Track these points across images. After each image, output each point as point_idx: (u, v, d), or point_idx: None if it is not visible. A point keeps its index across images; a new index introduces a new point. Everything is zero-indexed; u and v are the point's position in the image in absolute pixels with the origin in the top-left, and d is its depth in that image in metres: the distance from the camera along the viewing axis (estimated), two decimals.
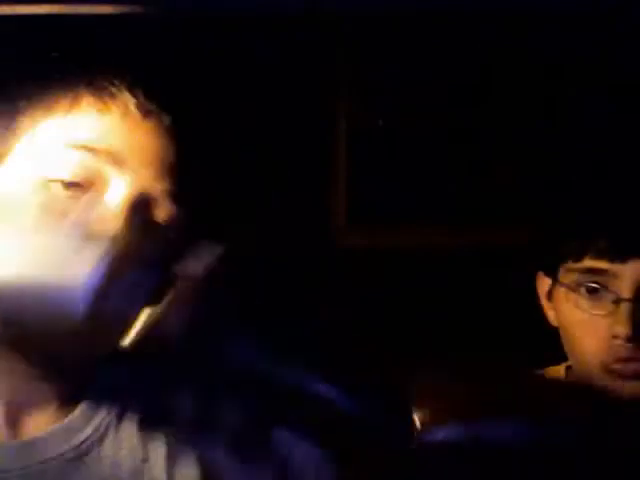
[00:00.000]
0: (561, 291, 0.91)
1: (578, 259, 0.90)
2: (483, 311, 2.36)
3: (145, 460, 0.69)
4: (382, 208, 2.59)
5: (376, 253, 2.52)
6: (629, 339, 0.86)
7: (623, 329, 0.86)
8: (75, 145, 0.61)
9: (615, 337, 0.86)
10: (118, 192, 0.61)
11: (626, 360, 0.86)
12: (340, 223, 2.62)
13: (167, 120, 0.64)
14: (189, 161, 0.68)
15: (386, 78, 2.56)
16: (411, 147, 2.58)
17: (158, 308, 0.60)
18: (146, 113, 0.63)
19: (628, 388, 0.88)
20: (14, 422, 0.65)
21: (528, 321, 0.98)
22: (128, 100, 0.63)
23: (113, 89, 0.63)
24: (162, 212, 0.64)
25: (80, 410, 0.68)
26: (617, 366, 0.87)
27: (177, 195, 0.64)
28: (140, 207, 0.62)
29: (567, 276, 0.91)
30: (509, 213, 2.48)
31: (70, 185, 0.61)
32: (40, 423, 0.67)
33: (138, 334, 0.60)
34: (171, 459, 0.71)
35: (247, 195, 2.48)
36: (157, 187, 0.63)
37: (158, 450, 0.70)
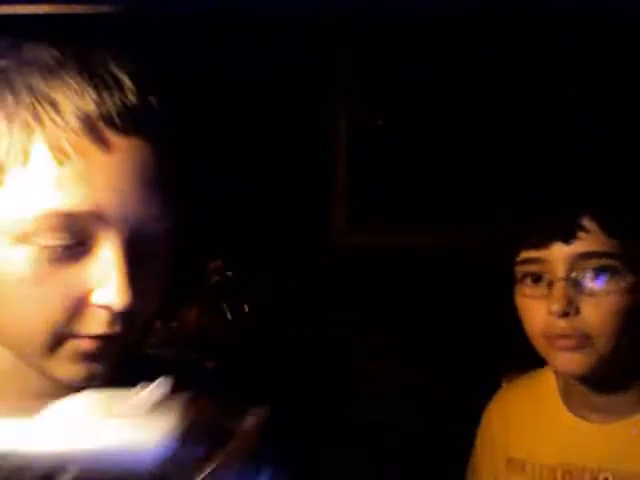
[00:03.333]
0: (517, 285, 0.97)
1: (517, 253, 0.97)
2: (483, 311, 2.36)
3: None
4: (382, 208, 2.59)
5: (376, 253, 2.52)
6: (561, 315, 0.91)
7: (556, 306, 0.92)
8: (48, 213, 0.54)
9: (551, 314, 0.91)
10: (109, 246, 0.58)
11: (559, 337, 0.91)
12: (340, 223, 2.62)
13: (128, 138, 0.57)
14: (168, 170, 0.61)
15: (386, 78, 2.56)
16: (411, 147, 2.58)
17: (213, 464, 0.57)
18: (104, 143, 0.56)
19: (561, 362, 0.93)
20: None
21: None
22: (81, 133, 0.55)
23: (61, 121, 0.55)
24: (156, 235, 0.61)
25: None
26: (551, 342, 0.92)
27: (166, 208, 0.61)
28: (134, 244, 0.59)
29: (516, 270, 0.97)
30: (509, 213, 2.48)
31: (58, 249, 0.57)
32: None
33: None
34: None
35: (247, 195, 2.49)
36: (145, 213, 0.59)
37: None
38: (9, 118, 0.57)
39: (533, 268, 0.95)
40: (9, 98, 0.57)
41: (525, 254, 0.96)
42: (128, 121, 0.57)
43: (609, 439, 0.96)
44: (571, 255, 0.91)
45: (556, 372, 1.02)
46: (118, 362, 0.64)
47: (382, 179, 2.59)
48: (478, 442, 1.14)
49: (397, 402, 2.34)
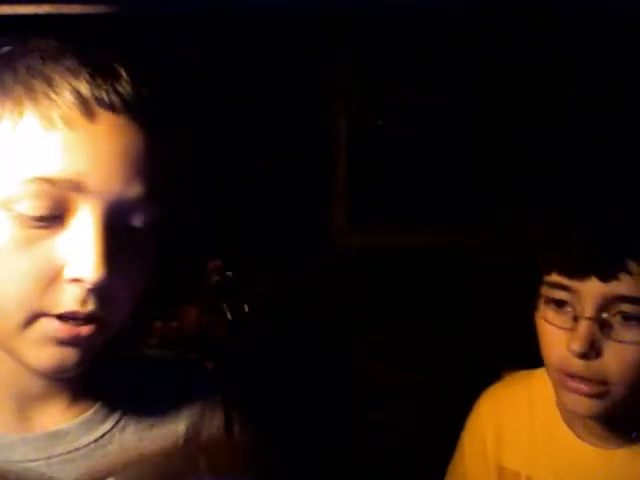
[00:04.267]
0: (540, 303, 0.93)
1: (548, 273, 0.91)
2: (483, 311, 2.36)
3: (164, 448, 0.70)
4: (382, 208, 2.59)
5: (376, 253, 2.52)
6: (581, 356, 0.87)
7: (577, 346, 0.85)
8: (31, 179, 0.56)
9: (570, 352, 0.87)
10: (87, 219, 0.58)
11: (574, 376, 0.87)
12: (340, 223, 2.62)
13: (118, 117, 0.59)
14: (158, 156, 0.62)
15: (386, 78, 2.56)
16: (411, 147, 2.58)
17: None
18: (93, 116, 0.58)
19: (571, 402, 0.89)
20: (25, 415, 0.65)
21: (526, 321, 0.98)
22: (72, 106, 0.57)
23: (54, 94, 0.57)
24: (143, 217, 0.61)
25: (98, 405, 0.69)
26: (565, 380, 0.88)
27: (152, 193, 0.61)
28: (115, 225, 0.59)
29: (543, 289, 0.92)
30: (509, 213, 2.48)
31: (37, 218, 0.57)
32: (53, 416, 0.67)
33: None
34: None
35: (247, 195, 2.49)
36: (129, 194, 0.59)
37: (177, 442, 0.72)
38: (4, 92, 0.59)
39: (561, 295, 0.88)
40: (8, 76, 0.59)
41: (556, 278, 0.88)
42: (118, 101, 0.59)
43: (608, 465, 0.93)
44: (605, 295, 0.84)
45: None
46: (99, 354, 0.63)
47: (382, 179, 2.59)
48: (467, 442, 1.10)
49: (397, 402, 2.34)
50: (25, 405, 0.66)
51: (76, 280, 0.57)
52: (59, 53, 0.60)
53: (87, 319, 0.59)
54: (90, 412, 0.69)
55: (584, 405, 0.87)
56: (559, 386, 0.90)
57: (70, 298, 0.58)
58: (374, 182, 2.60)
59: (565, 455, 0.97)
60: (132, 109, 0.60)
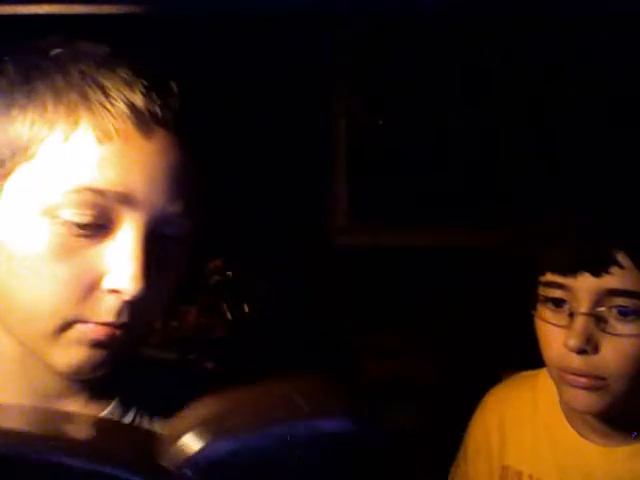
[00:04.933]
0: (537, 303, 0.93)
1: (543, 273, 0.92)
2: (483, 310, 2.36)
3: None
4: (382, 208, 2.60)
5: (376, 253, 2.52)
6: (579, 351, 0.87)
7: (574, 342, 0.85)
8: (80, 188, 0.56)
9: (567, 348, 0.87)
10: (130, 232, 0.58)
11: (573, 372, 0.87)
12: (341, 223, 2.62)
13: (169, 133, 0.59)
14: (195, 172, 0.62)
15: (386, 78, 2.56)
16: (411, 147, 2.58)
17: None
18: (147, 132, 0.58)
19: (571, 398, 0.89)
20: None
21: (526, 322, 0.98)
22: (127, 119, 0.57)
23: (110, 105, 0.57)
24: (177, 230, 0.62)
25: (114, 404, 0.69)
26: (564, 376, 0.88)
27: (189, 208, 0.61)
28: (154, 238, 0.60)
29: (540, 289, 0.93)
30: (509, 213, 2.48)
31: (81, 226, 0.58)
32: None
33: None
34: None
35: (247, 195, 2.49)
36: (171, 209, 0.60)
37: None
38: (57, 96, 0.58)
39: (557, 294, 0.89)
40: (59, 78, 0.58)
41: (550, 277, 0.89)
42: (170, 118, 0.59)
43: (611, 463, 0.93)
44: (599, 289, 0.85)
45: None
46: (121, 355, 0.63)
47: (382, 179, 2.59)
48: (471, 441, 1.10)
49: (397, 402, 2.34)
50: (44, 402, 0.66)
51: (114, 291, 0.58)
52: (112, 61, 0.59)
53: (119, 327, 0.59)
54: (107, 411, 0.69)
55: (584, 400, 0.88)
56: (559, 383, 0.90)
57: (106, 309, 0.58)
58: (374, 182, 2.60)
59: (568, 453, 0.97)
60: (181, 126, 0.60)
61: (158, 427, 0.71)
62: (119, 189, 0.57)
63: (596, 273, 0.85)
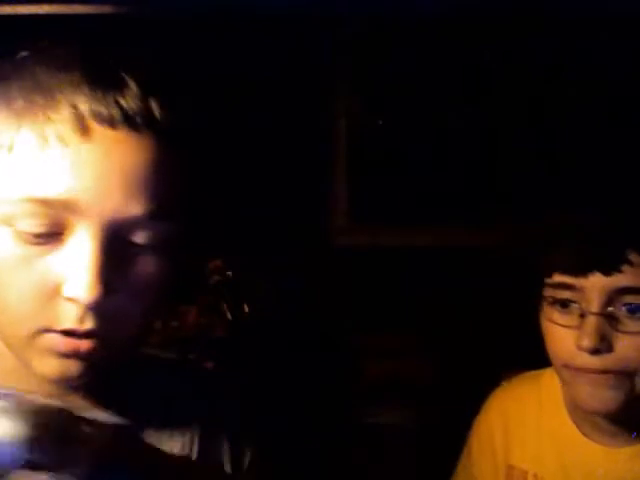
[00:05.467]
0: (544, 305, 0.93)
1: (550, 274, 0.91)
2: (483, 310, 2.36)
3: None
4: (382, 208, 2.60)
5: (376, 253, 2.52)
6: (592, 351, 0.87)
7: (587, 342, 0.85)
8: (26, 198, 0.56)
9: (579, 349, 0.87)
10: (83, 239, 0.57)
11: (586, 372, 0.87)
12: (341, 223, 2.62)
13: (122, 133, 0.57)
14: (170, 172, 0.60)
15: (386, 78, 2.56)
16: (411, 147, 2.58)
17: None
18: (88, 133, 0.56)
19: (585, 398, 0.89)
20: None
21: (527, 322, 0.98)
22: (68, 122, 0.55)
23: (50, 110, 0.55)
24: (150, 234, 0.60)
25: (116, 405, 0.69)
26: (577, 377, 0.88)
27: (161, 211, 0.59)
28: (116, 243, 0.58)
29: (546, 290, 0.92)
30: (509, 213, 2.48)
31: (36, 235, 0.57)
32: None
33: None
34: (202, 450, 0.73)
35: (247, 195, 2.49)
36: (131, 212, 0.57)
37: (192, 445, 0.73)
38: (8, 103, 0.57)
39: (565, 295, 0.88)
40: (14, 85, 0.58)
41: (559, 278, 0.89)
42: (118, 115, 0.57)
43: (615, 463, 0.93)
44: (609, 288, 0.84)
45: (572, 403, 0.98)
46: (112, 362, 0.63)
47: (382, 179, 2.59)
48: (475, 440, 1.10)
49: (397, 402, 2.34)
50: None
51: (71, 300, 0.57)
52: (67, 61, 0.58)
53: (86, 335, 0.59)
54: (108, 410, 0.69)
55: (601, 400, 0.87)
56: (572, 383, 0.90)
57: (69, 315, 0.58)
58: (374, 182, 2.60)
59: (572, 453, 0.97)
60: (135, 122, 0.58)
61: (161, 434, 0.71)
62: (62, 197, 0.56)
63: (607, 272, 0.84)
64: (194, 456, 0.73)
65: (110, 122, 0.57)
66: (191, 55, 2.21)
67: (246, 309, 2.26)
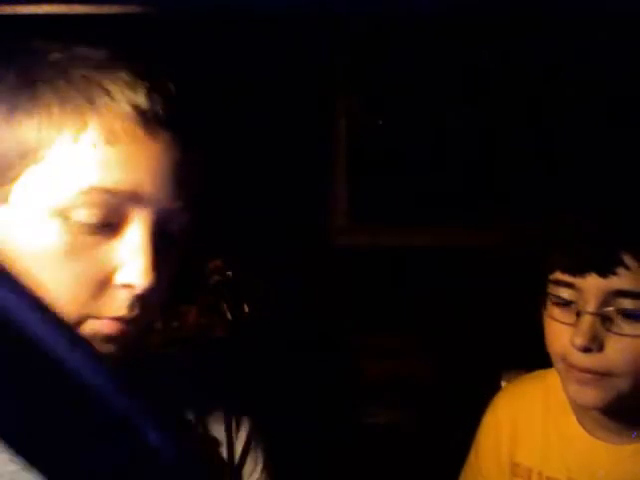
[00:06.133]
0: (546, 301, 0.95)
1: (552, 272, 0.93)
2: (483, 310, 2.36)
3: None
4: (382, 208, 2.60)
5: (376, 253, 2.52)
6: (584, 349, 0.89)
7: (579, 340, 0.87)
8: (90, 189, 0.58)
9: (572, 346, 0.89)
10: (139, 229, 0.61)
11: (578, 370, 0.89)
12: (341, 223, 2.62)
13: (170, 133, 0.62)
14: (194, 171, 0.65)
15: (386, 78, 2.56)
16: (411, 147, 2.58)
17: None
18: (152, 132, 0.60)
19: (575, 394, 0.91)
20: None
21: (529, 321, 0.99)
22: (132, 120, 0.59)
23: (115, 107, 0.59)
24: (179, 225, 0.64)
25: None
26: (574, 372, 0.90)
27: (190, 205, 0.64)
28: (160, 234, 0.62)
29: (549, 287, 0.94)
30: (508, 213, 2.49)
31: (92, 225, 0.60)
32: None
33: None
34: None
35: (247, 195, 2.49)
36: (174, 206, 0.62)
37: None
38: (62, 100, 0.59)
39: (565, 294, 0.90)
40: (62, 83, 0.60)
41: (560, 276, 0.91)
42: (170, 118, 0.61)
43: (619, 461, 0.94)
44: (605, 290, 0.86)
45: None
46: (129, 349, 0.65)
47: (382, 179, 2.59)
48: (482, 438, 1.11)
49: (397, 402, 2.34)
50: None
51: (127, 286, 0.60)
52: (111, 64, 0.61)
53: (132, 321, 0.61)
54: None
55: (588, 396, 0.89)
56: (565, 378, 0.92)
57: (119, 303, 0.60)
58: (374, 182, 2.60)
59: (576, 451, 0.98)
60: (180, 126, 0.62)
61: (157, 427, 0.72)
62: (127, 188, 0.59)
63: (603, 274, 0.86)
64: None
65: (167, 123, 0.61)
66: (191, 55, 2.21)
67: (246, 309, 2.26)
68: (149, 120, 0.60)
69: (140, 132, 0.60)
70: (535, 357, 1.00)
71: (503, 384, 1.32)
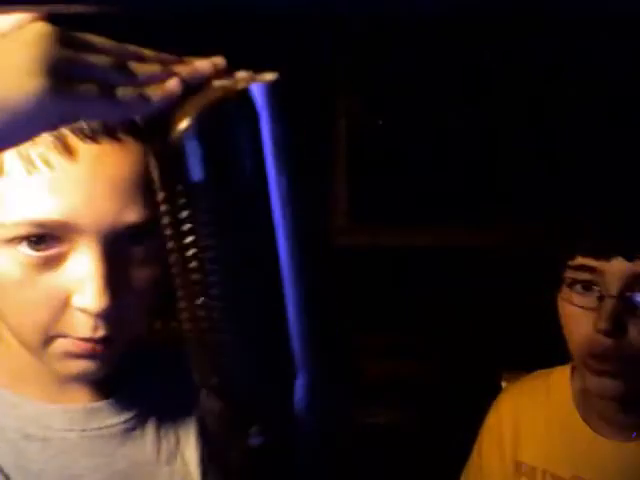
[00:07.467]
0: (563, 287, 0.94)
1: (572, 257, 0.93)
2: (483, 310, 2.36)
3: (177, 444, 0.73)
4: (382, 208, 2.59)
5: (376, 253, 2.52)
6: (608, 334, 0.88)
7: (604, 324, 0.87)
8: (22, 222, 0.57)
9: (597, 331, 0.88)
10: (85, 253, 0.58)
11: (601, 357, 0.89)
12: (341, 223, 2.62)
13: (109, 144, 0.58)
14: (173, 173, 0.61)
15: (386, 78, 2.56)
16: (411, 147, 2.58)
17: None
18: (73, 152, 0.56)
19: (597, 384, 0.91)
20: (60, 387, 0.68)
21: (529, 322, 0.99)
22: (51, 144, 0.56)
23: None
24: (144, 234, 0.61)
25: (126, 391, 0.71)
26: (591, 361, 0.90)
27: (149, 208, 0.59)
28: (113, 250, 0.59)
29: (567, 273, 0.94)
30: (509, 213, 2.48)
31: (39, 255, 0.58)
32: (84, 394, 0.68)
33: None
34: (199, 444, 0.74)
35: (247, 195, 2.48)
36: (126, 219, 0.59)
37: (190, 436, 0.75)
38: None
39: (586, 276, 0.90)
40: None
41: (582, 260, 0.90)
42: (99, 128, 0.58)
43: (624, 458, 0.94)
44: (630, 273, 0.86)
45: (573, 368, 0.99)
46: (124, 355, 0.65)
47: (382, 179, 2.59)
48: (485, 437, 1.11)
49: (397, 402, 2.34)
50: (62, 381, 0.68)
51: (83, 310, 0.59)
52: None
53: (101, 341, 0.61)
54: (119, 395, 0.71)
55: (611, 388, 0.89)
56: (586, 368, 0.91)
57: (82, 325, 0.60)
58: (374, 182, 2.60)
59: (581, 448, 0.98)
60: (116, 133, 0.59)
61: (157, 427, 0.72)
62: (57, 217, 0.57)
63: (630, 257, 0.86)
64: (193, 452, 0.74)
65: (92, 137, 0.58)
66: (190, 55, 2.21)
67: None
68: (68, 140, 0.57)
69: (59, 156, 0.57)
70: (536, 357, 0.99)
71: (503, 384, 1.32)
